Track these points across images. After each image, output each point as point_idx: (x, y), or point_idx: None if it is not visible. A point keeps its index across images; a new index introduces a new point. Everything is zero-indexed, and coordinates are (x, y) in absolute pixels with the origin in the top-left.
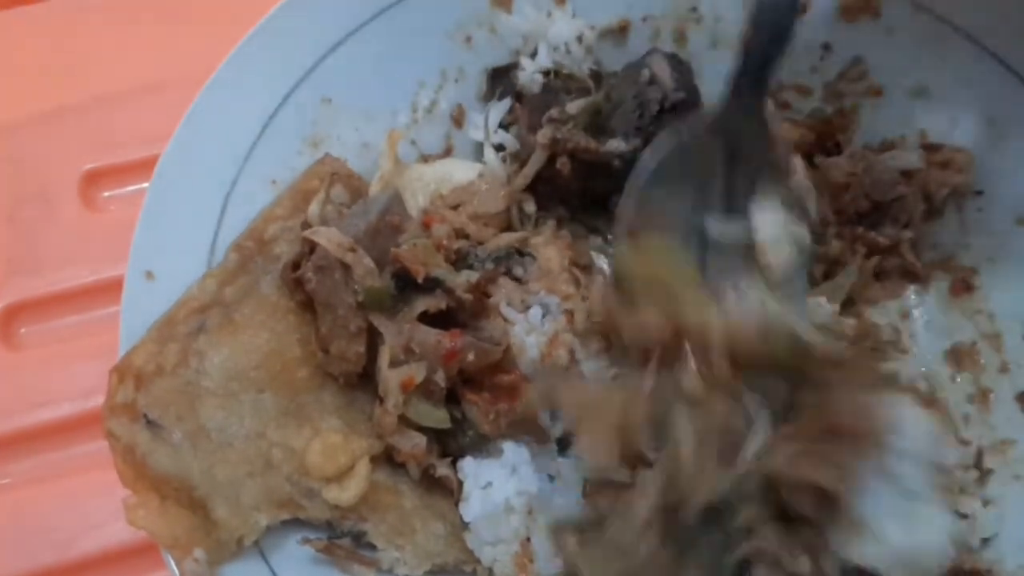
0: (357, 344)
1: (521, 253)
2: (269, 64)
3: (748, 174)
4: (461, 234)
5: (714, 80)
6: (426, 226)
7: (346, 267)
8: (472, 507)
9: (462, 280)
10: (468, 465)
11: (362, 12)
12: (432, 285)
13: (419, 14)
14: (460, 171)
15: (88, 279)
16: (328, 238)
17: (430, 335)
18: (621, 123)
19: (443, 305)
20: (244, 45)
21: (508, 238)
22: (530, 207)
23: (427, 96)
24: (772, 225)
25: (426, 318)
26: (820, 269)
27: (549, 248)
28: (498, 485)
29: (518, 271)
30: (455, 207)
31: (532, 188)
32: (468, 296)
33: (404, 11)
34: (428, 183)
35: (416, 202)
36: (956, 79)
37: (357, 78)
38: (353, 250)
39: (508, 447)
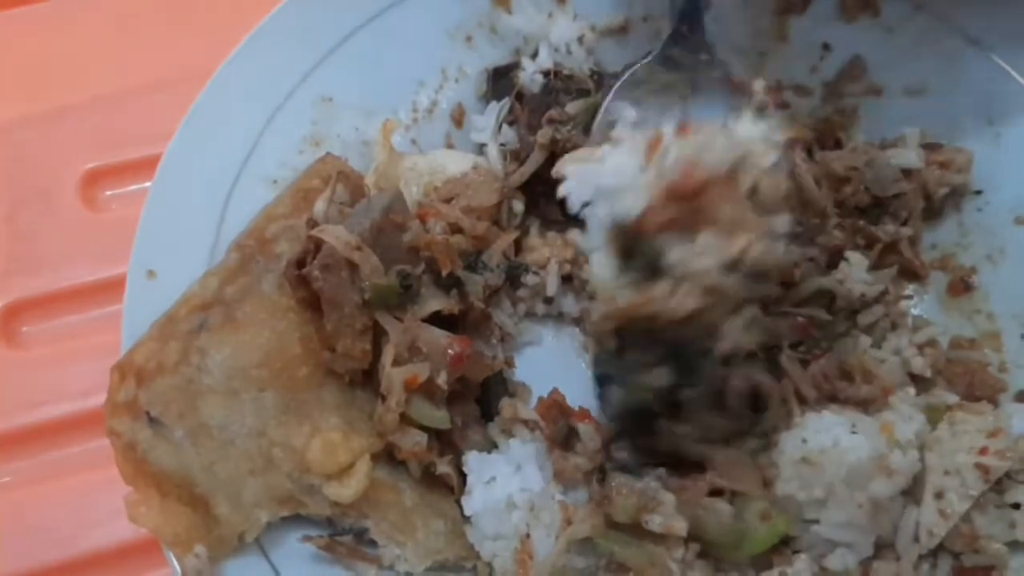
0: (363, 342)
1: (527, 268)
2: (270, 63)
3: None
4: (456, 228)
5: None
6: (421, 220)
7: (352, 265)
8: (474, 501)
9: (479, 286)
10: (473, 460)
11: (363, 12)
12: (451, 284)
13: (420, 14)
14: (454, 162)
15: (89, 278)
16: (336, 236)
17: (440, 337)
18: None
19: (456, 309)
20: (245, 44)
21: (504, 242)
22: (518, 207)
23: (427, 95)
24: (750, 130)
25: (430, 321)
26: (823, 258)
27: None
28: (502, 481)
29: (528, 279)
30: (448, 200)
31: (525, 187)
32: (480, 304)
33: (405, 11)
34: (422, 174)
35: (410, 193)
36: (955, 79)
37: (358, 77)
38: (360, 248)
39: (515, 444)
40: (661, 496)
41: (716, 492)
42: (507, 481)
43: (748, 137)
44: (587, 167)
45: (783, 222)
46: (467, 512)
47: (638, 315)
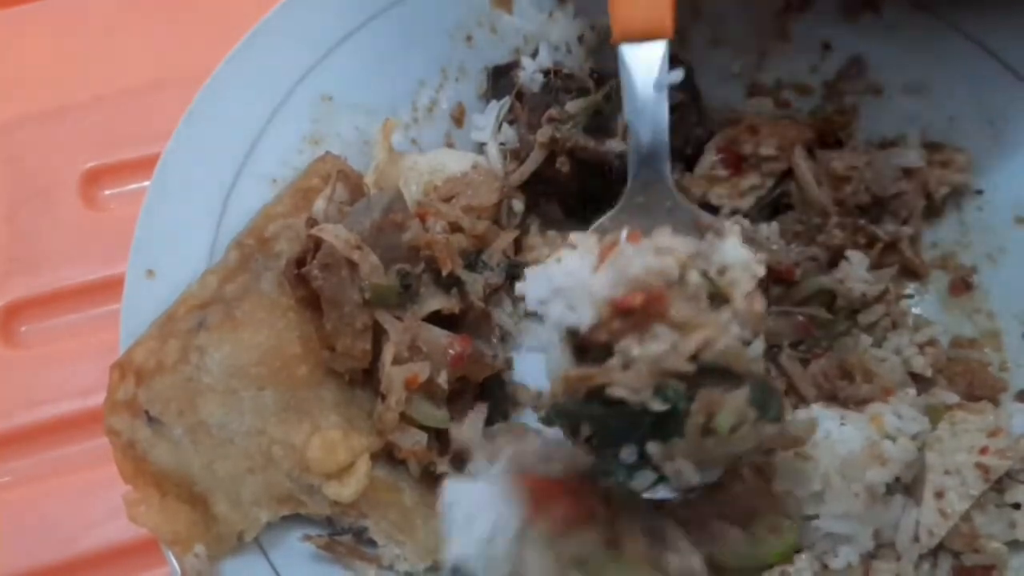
0: (363, 341)
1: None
2: (270, 62)
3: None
4: (456, 228)
5: (715, 80)
6: (421, 219)
7: (352, 264)
8: (454, 552)
9: (479, 285)
10: (452, 492)
11: (363, 10)
12: (451, 283)
13: (420, 13)
14: (454, 161)
15: (88, 277)
16: (336, 235)
17: (440, 336)
18: (621, 123)
19: (456, 308)
20: (245, 43)
21: (504, 241)
22: (518, 206)
23: (427, 95)
24: (735, 253)
25: (430, 320)
26: (824, 257)
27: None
28: (481, 517)
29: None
30: (448, 199)
31: (525, 186)
32: (481, 303)
33: (405, 10)
34: (422, 173)
35: (410, 192)
36: (956, 78)
37: (358, 76)
38: (360, 248)
39: (494, 473)
40: (671, 533)
41: (725, 514)
42: (487, 514)
43: (732, 259)
44: (543, 268)
45: (758, 347)
46: (449, 564)
47: (586, 386)
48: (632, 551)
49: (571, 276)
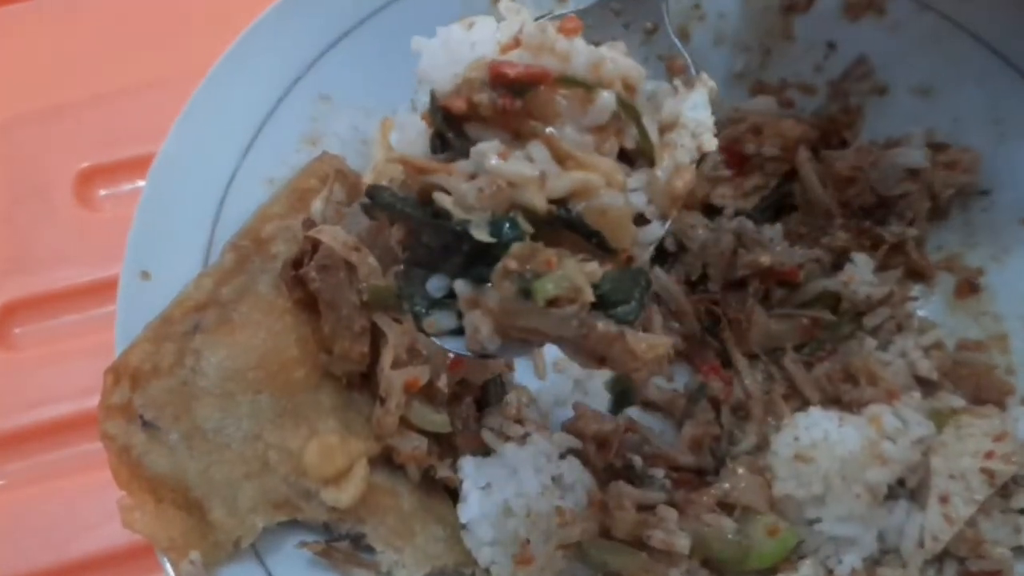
0: (361, 344)
1: None
2: (266, 61)
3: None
4: None
5: (718, 79)
6: None
7: (350, 266)
8: (470, 508)
9: None
10: (468, 465)
11: (361, 9)
12: None
13: (419, 11)
14: None
15: (84, 278)
16: (333, 237)
17: None
18: None
19: None
20: (241, 42)
21: None
22: None
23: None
24: (696, 111)
25: None
26: (828, 260)
27: None
28: (497, 487)
29: None
30: None
31: None
32: None
33: (403, 8)
34: None
35: None
36: (961, 78)
37: (356, 75)
38: (358, 249)
39: (509, 449)
40: (662, 511)
41: (725, 505)
42: (503, 486)
43: (688, 117)
44: (451, 30)
45: (656, 231)
46: (463, 519)
47: (422, 181)
48: (621, 522)
49: (473, 48)
